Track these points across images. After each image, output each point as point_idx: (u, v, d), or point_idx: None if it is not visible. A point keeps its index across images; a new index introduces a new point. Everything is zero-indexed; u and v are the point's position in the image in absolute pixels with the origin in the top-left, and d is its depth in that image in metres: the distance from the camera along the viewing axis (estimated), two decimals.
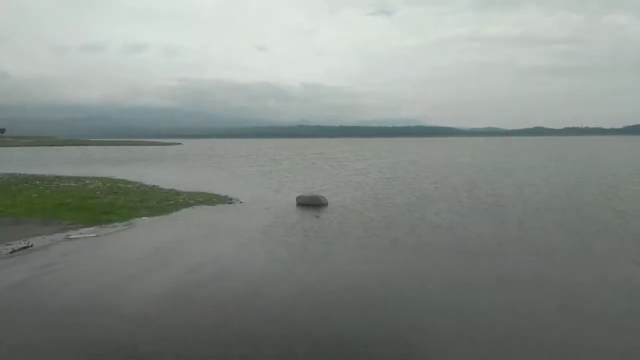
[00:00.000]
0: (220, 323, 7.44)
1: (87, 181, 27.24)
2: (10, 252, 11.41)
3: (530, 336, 7.01)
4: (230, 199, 20.90)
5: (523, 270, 10.41)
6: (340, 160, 57.09)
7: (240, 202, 20.23)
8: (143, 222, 15.66)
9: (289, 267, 10.55)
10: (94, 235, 13.59)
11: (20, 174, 32.20)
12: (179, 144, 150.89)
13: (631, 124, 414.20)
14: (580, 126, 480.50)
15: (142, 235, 13.87)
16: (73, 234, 13.58)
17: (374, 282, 9.52)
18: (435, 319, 7.64)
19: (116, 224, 15.19)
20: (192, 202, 19.90)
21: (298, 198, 20.18)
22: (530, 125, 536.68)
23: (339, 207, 18.84)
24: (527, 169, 40.42)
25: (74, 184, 25.51)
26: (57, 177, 30.08)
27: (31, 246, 12.01)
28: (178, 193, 22.54)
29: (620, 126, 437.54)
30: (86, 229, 14.25)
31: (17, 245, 11.99)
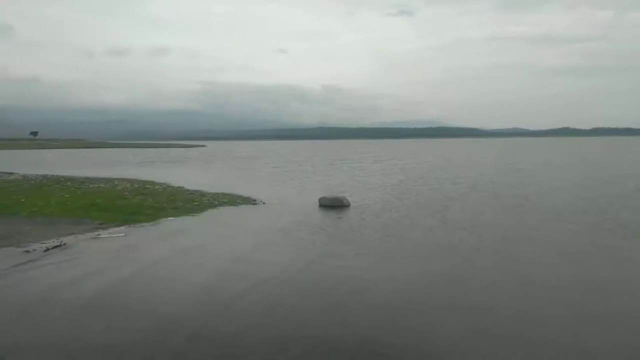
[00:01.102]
0: (238, 321, 7.62)
1: (116, 182, 27.99)
2: (45, 251, 11.89)
3: (551, 340, 6.94)
4: (254, 200, 21.18)
5: (544, 272, 10.28)
6: (360, 161, 57.04)
7: (264, 203, 20.50)
8: (170, 223, 16.05)
9: (310, 266, 10.67)
10: (123, 234, 14.01)
11: (52, 176, 33.27)
12: (203, 146, 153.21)
13: None
14: (609, 126, 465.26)
15: (169, 235, 14.21)
16: (103, 234, 14.03)
17: (395, 283, 9.55)
18: (457, 322, 7.61)
19: (144, 224, 15.62)
20: (216, 202, 20.26)
21: (320, 199, 20.31)
22: (557, 126, 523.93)
23: (361, 208, 18.89)
24: (551, 169, 39.61)
25: (104, 185, 26.25)
26: (87, 178, 31.02)
27: (64, 245, 12.48)
28: (203, 194, 22.97)
29: None
30: (115, 229, 14.70)
31: (51, 244, 12.48)
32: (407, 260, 11.32)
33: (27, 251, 11.81)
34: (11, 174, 35.51)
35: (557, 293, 8.91)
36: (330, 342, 6.85)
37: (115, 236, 13.76)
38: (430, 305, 8.32)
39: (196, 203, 20.06)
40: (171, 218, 16.72)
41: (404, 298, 8.67)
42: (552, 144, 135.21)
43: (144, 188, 25.20)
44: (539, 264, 10.92)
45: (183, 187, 26.04)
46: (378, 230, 14.68)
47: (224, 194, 22.77)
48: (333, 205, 19.46)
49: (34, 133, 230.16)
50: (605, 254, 11.85)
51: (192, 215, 17.44)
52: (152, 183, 28.23)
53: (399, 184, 28.98)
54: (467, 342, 6.87)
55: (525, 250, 12.16)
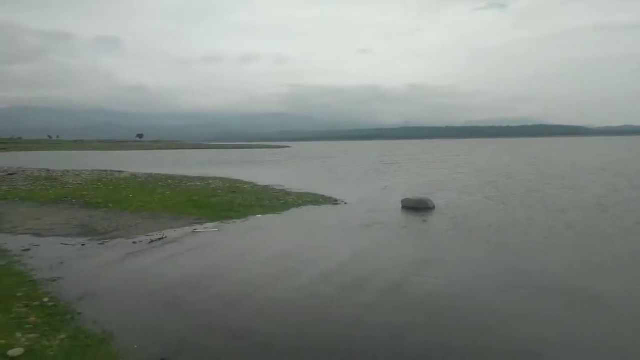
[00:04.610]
0: (316, 320, 7.76)
1: (210, 181, 29.93)
2: (149, 242, 13.16)
3: None
4: (336, 200, 21.43)
5: None
6: (446, 161, 55.00)
7: (345, 203, 20.65)
8: (258, 220, 16.84)
9: (393, 272, 10.54)
10: (216, 230, 14.99)
11: (155, 174, 36.54)
12: (288, 147, 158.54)
13: None
14: None
15: (258, 231, 14.93)
16: (198, 228, 15.12)
17: (487, 293, 9.09)
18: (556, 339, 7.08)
19: (235, 220, 16.55)
20: (300, 202, 20.84)
21: (403, 201, 19.95)
22: None
23: (447, 211, 18.24)
24: None
25: (199, 183, 28.22)
26: (185, 177, 33.56)
27: (165, 237, 13.69)
28: (287, 193, 23.76)
29: None
30: (209, 224, 15.77)
31: (154, 236, 13.76)
32: (500, 266, 10.74)
33: (135, 242, 13.14)
34: (121, 172, 39.63)
35: None
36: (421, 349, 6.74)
37: (210, 231, 14.78)
38: (535, 321, 7.80)
39: (281, 202, 20.80)
40: (259, 215, 17.53)
41: (501, 308, 8.23)
42: None
43: (234, 187, 26.67)
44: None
45: (269, 186, 27.14)
46: (466, 234, 14.08)
47: (307, 194, 23.34)
48: (417, 207, 19.01)
49: (140, 135, 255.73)
50: None
51: (278, 214, 18.12)
52: (242, 182, 29.77)
53: (489, 185, 27.49)
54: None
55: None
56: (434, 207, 18.98)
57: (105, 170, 41.38)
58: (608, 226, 15.13)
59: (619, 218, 16.52)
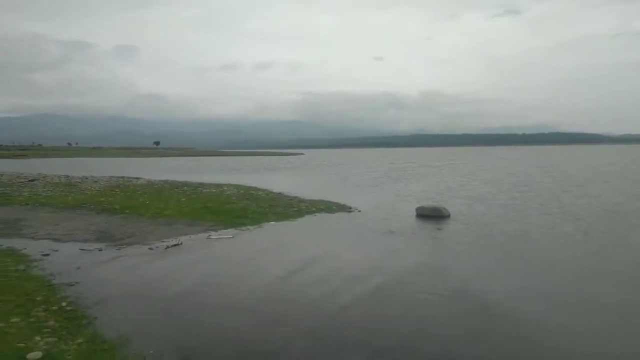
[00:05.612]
0: (321, 323, 7.76)
1: (225, 188, 30.16)
2: (166, 248, 13.31)
3: None
4: (350, 208, 21.39)
5: None
6: (458, 169, 54.52)
7: (359, 211, 20.59)
8: (271, 227, 16.91)
9: (407, 280, 10.47)
10: (231, 236, 15.09)
11: (172, 181, 36.94)
12: (301, 154, 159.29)
13: None
14: None
15: (272, 239, 14.98)
16: (213, 235, 15.25)
17: (506, 303, 8.97)
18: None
19: (249, 227, 16.65)
20: (313, 209, 20.85)
21: (418, 209, 19.82)
22: None
23: (462, 219, 18.07)
24: None
25: (214, 190, 28.46)
26: (201, 183, 33.86)
27: (181, 244, 13.83)
28: (301, 200, 23.79)
29: None
30: (224, 231, 15.88)
31: (170, 242, 13.93)
32: (515, 276, 10.60)
33: (151, 248, 13.31)
34: (138, 178, 40.17)
35: None
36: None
37: (224, 237, 14.89)
38: (546, 335, 7.69)
39: (295, 209, 20.85)
40: (273, 222, 17.60)
41: (517, 323, 8.12)
42: None
43: (248, 194, 26.83)
44: None
45: (283, 193, 27.23)
46: (482, 242, 13.93)
47: (320, 201, 23.35)
48: (431, 215, 18.87)
49: (157, 142, 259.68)
50: None
51: (292, 221, 18.17)
52: (256, 189, 29.92)
53: (505, 193, 27.15)
54: None
55: None
56: (449, 216, 18.81)
57: (123, 177, 41.99)
58: (625, 235, 14.83)
59: (636, 226, 16.20)
